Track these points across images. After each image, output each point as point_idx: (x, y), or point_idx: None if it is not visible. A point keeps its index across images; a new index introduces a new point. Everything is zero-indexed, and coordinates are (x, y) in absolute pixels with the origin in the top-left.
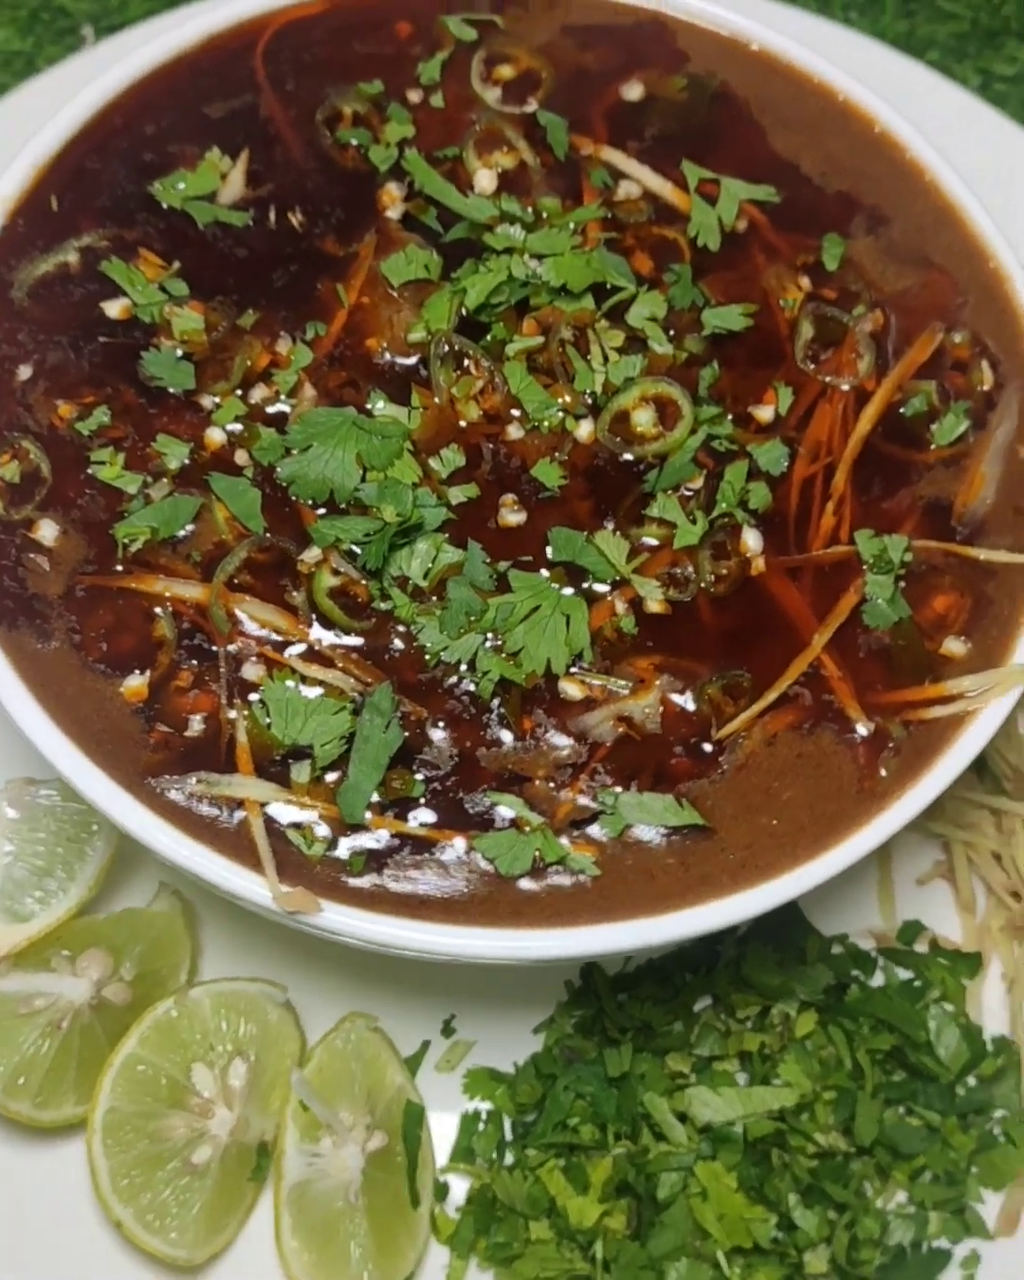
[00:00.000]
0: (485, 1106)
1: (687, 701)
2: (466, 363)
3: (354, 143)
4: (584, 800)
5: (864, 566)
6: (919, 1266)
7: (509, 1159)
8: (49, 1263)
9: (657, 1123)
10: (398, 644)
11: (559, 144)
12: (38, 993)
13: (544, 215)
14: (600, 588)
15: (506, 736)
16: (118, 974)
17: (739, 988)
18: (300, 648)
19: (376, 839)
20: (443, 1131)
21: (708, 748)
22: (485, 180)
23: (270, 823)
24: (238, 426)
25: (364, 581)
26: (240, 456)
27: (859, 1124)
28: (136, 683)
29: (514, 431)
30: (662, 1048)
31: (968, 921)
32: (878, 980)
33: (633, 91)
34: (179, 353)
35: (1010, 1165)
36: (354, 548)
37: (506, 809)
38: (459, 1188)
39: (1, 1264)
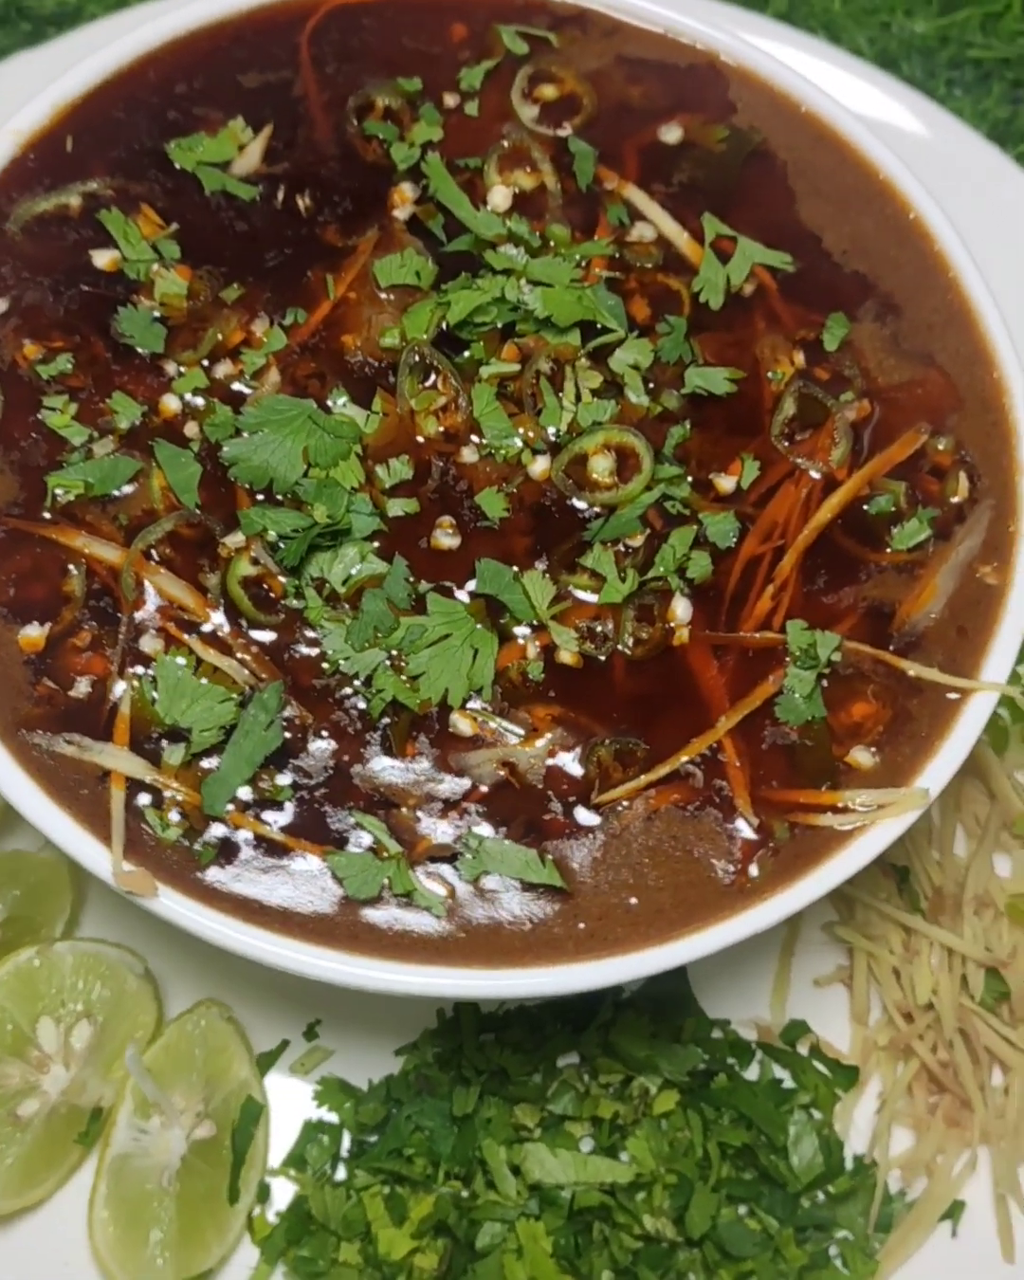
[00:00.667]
0: (331, 1117)
1: (575, 759)
2: (434, 377)
3: (379, 137)
4: (448, 838)
5: (789, 658)
6: None
7: (340, 1175)
8: None
9: (490, 1170)
10: (300, 646)
11: (584, 174)
12: None
13: (551, 243)
14: (518, 628)
15: (386, 759)
16: None
17: (607, 1052)
18: (203, 630)
19: (232, 835)
20: (285, 1134)
21: (585, 810)
22: (500, 197)
23: (131, 799)
24: (196, 398)
25: (281, 576)
26: (190, 428)
27: (693, 1215)
28: (35, 633)
29: (468, 454)
30: (514, 1096)
31: (857, 1033)
32: (753, 1073)
33: (671, 134)
34: (156, 314)
35: None
36: (279, 541)
37: (367, 832)
38: (285, 1192)
39: None
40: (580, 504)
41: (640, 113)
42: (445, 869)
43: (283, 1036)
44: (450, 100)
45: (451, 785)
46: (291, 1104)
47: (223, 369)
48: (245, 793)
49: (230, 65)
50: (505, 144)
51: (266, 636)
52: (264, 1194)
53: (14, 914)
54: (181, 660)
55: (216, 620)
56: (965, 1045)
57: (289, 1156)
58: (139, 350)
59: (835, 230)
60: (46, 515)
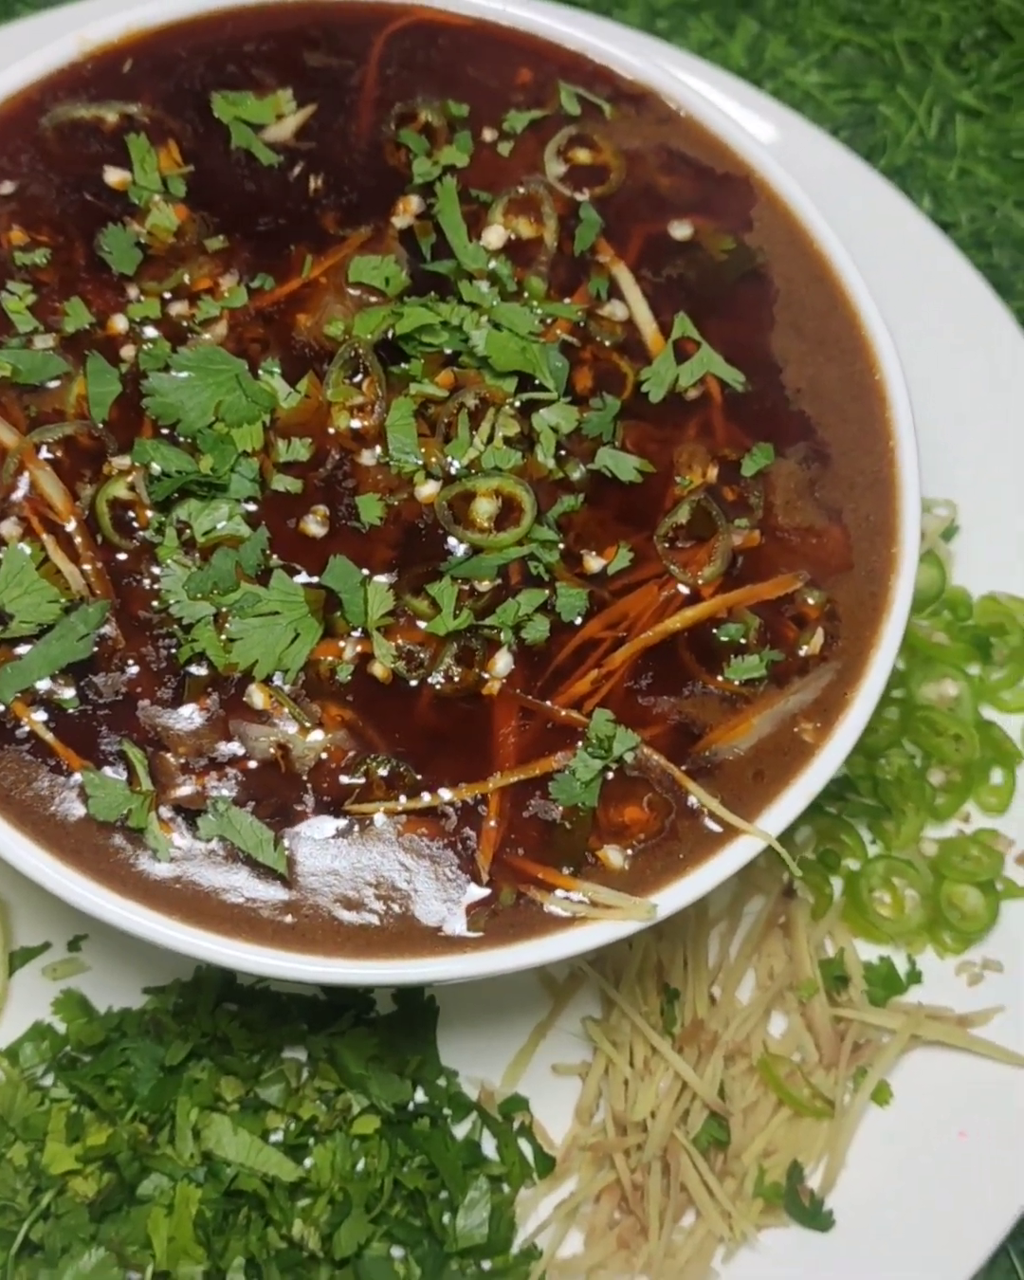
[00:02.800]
0: (59, 1024)
1: (347, 763)
2: (362, 377)
3: (409, 147)
4: (200, 793)
5: (584, 743)
6: None
7: (48, 1081)
8: None
9: (176, 1126)
10: (142, 577)
11: (584, 240)
12: None
13: (525, 292)
14: (348, 630)
15: (174, 705)
16: None
17: (330, 1059)
18: (61, 532)
19: (8, 725)
20: (16, 1026)
21: (334, 811)
22: (494, 236)
23: None
24: (145, 327)
25: (150, 510)
26: (127, 351)
27: (342, 1236)
28: None
29: (367, 458)
30: (228, 1068)
31: (574, 1128)
32: (463, 1129)
33: (681, 231)
34: (140, 240)
35: None
36: (160, 476)
37: (132, 760)
38: None
39: None
40: (452, 538)
41: (661, 201)
42: (187, 822)
43: (48, 938)
44: (488, 135)
45: (225, 749)
46: (31, 1002)
47: (179, 309)
48: (38, 689)
49: (303, 41)
50: (521, 190)
51: (115, 558)
52: None
53: None
54: (28, 550)
55: (75, 528)
56: (664, 1177)
57: (7, 1047)
58: (112, 268)
59: (799, 367)
60: None
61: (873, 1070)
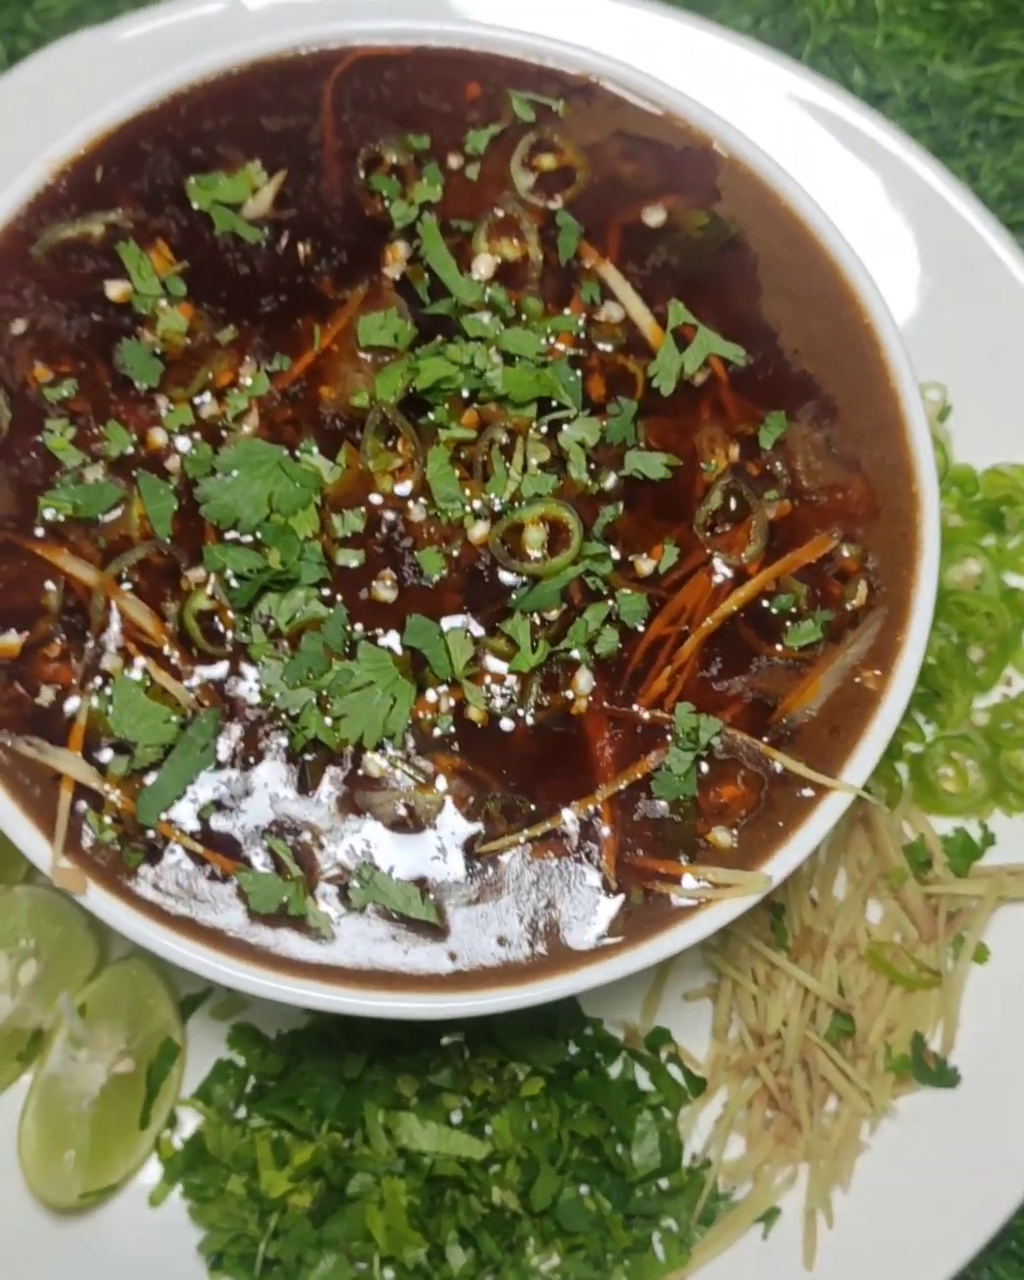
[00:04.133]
0: (239, 1061)
1: (468, 809)
2: (397, 441)
3: (383, 193)
4: (345, 867)
5: (673, 738)
6: None
7: (241, 1113)
8: None
9: (367, 1129)
10: (242, 678)
11: (566, 248)
12: None
13: (524, 316)
14: (436, 681)
15: (301, 790)
16: None
17: (487, 1039)
18: (159, 653)
19: (159, 844)
20: (200, 1067)
21: (468, 856)
22: (484, 266)
23: (75, 800)
24: (181, 436)
25: (233, 612)
26: (172, 462)
27: (537, 1190)
28: (12, 640)
29: (417, 513)
30: (401, 1067)
31: (714, 1047)
32: (616, 1069)
33: (654, 217)
34: (156, 349)
35: (653, 1272)
36: (235, 580)
37: (275, 854)
38: (192, 1121)
39: None
40: (511, 570)
41: (629, 189)
42: (339, 895)
43: (208, 984)
44: (454, 161)
45: (354, 820)
46: (208, 1043)
47: (208, 408)
48: (174, 808)
49: (256, 107)
50: (498, 214)
51: (213, 666)
52: (174, 1121)
53: None
54: (137, 676)
55: (171, 647)
56: (804, 1073)
57: (198, 1090)
58: (136, 383)
59: (792, 328)
60: (37, 532)
61: (969, 935)
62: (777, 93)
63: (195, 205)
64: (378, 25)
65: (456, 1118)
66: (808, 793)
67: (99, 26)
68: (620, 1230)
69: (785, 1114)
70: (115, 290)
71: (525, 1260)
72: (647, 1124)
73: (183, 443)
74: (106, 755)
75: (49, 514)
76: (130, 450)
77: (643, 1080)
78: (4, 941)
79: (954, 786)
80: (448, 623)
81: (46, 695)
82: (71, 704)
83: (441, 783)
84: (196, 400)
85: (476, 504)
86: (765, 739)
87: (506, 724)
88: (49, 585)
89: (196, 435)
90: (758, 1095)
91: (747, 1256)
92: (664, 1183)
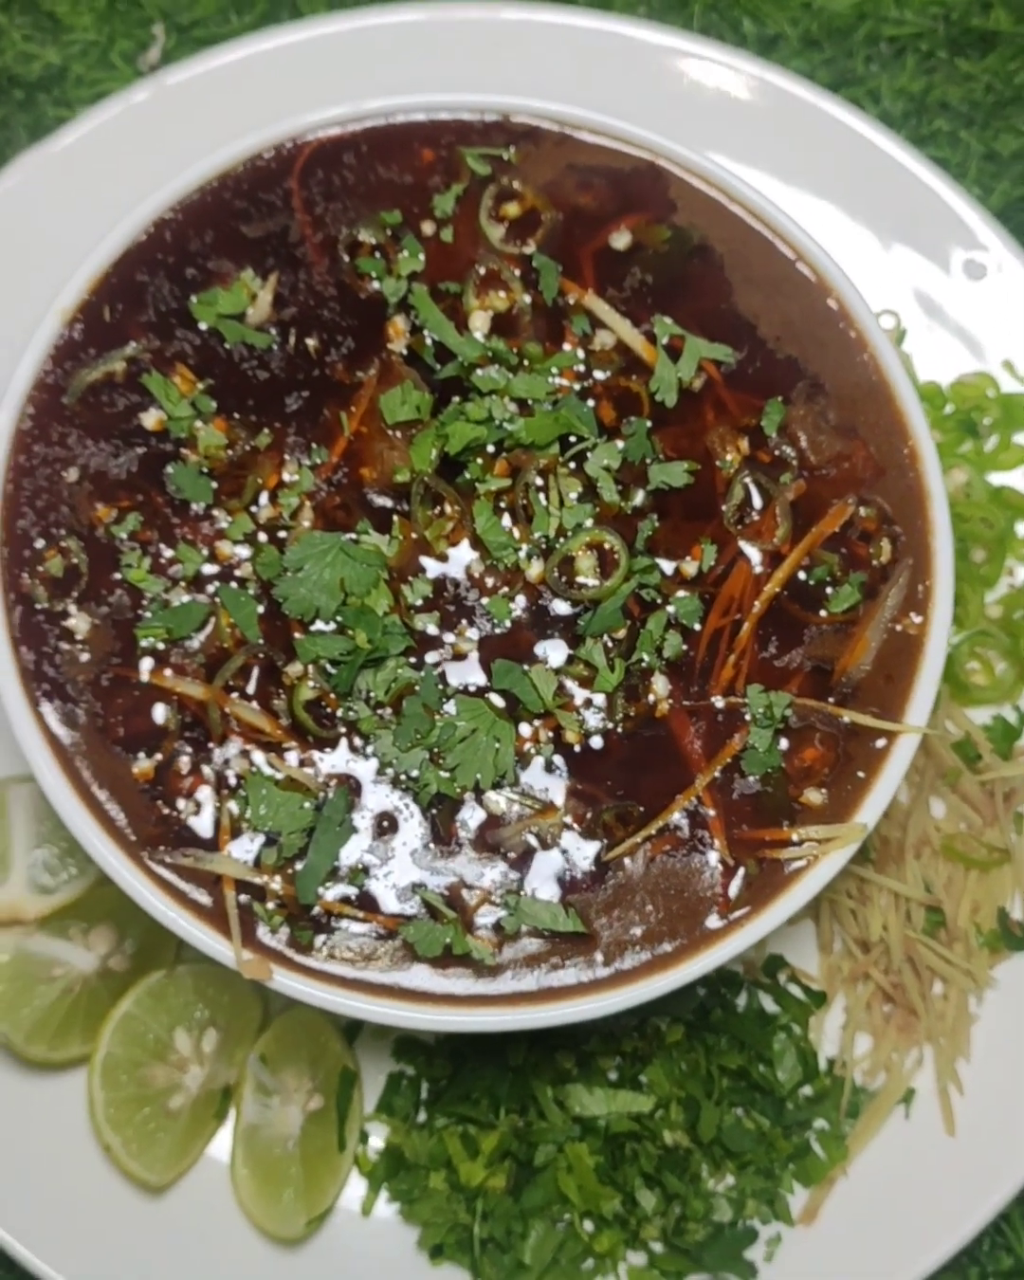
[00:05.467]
0: (409, 1071)
1: (586, 824)
2: (443, 505)
3: (371, 273)
4: (492, 900)
5: (750, 718)
6: (732, 1241)
7: (421, 1118)
8: (51, 1175)
9: (541, 1106)
10: (357, 751)
11: (549, 288)
12: (58, 961)
13: (527, 361)
14: (530, 715)
15: (435, 840)
16: (121, 948)
17: None
18: (279, 748)
19: (323, 918)
20: (373, 1085)
21: (596, 865)
22: (480, 321)
23: (239, 895)
24: (244, 546)
25: (335, 695)
26: (244, 570)
27: (702, 1125)
28: (146, 765)
29: (476, 566)
30: (553, 1044)
31: (824, 961)
32: (743, 1000)
33: (620, 240)
34: (202, 468)
35: (819, 1170)
36: (329, 665)
37: (429, 901)
38: (379, 1134)
39: (12, 1170)
40: (571, 599)
41: (592, 218)
42: (492, 926)
43: None
44: (427, 228)
45: (490, 857)
46: (375, 1061)
47: (265, 512)
48: (329, 882)
49: (232, 216)
50: (480, 270)
51: (331, 747)
52: (364, 1137)
53: (141, 947)
54: (265, 771)
55: (289, 739)
56: (910, 967)
57: (380, 1103)
58: (192, 504)
59: (769, 317)
60: (142, 662)
61: None
62: (681, 67)
63: (202, 324)
64: (323, 115)
65: (613, 1077)
66: (880, 742)
67: (35, 146)
68: (781, 1141)
69: (901, 1006)
70: (151, 420)
71: (704, 1186)
72: (782, 1043)
73: (247, 550)
74: (256, 849)
75: (146, 642)
76: (204, 567)
77: (769, 1006)
78: (182, 1019)
79: (983, 679)
80: (527, 660)
81: (187, 808)
82: (211, 811)
83: (559, 805)
84: (252, 508)
85: (526, 546)
86: (831, 700)
87: (599, 740)
88: (164, 706)
89: (261, 538)
90: (873, 995)
91: (894, 1137)
92: (809, 1090)
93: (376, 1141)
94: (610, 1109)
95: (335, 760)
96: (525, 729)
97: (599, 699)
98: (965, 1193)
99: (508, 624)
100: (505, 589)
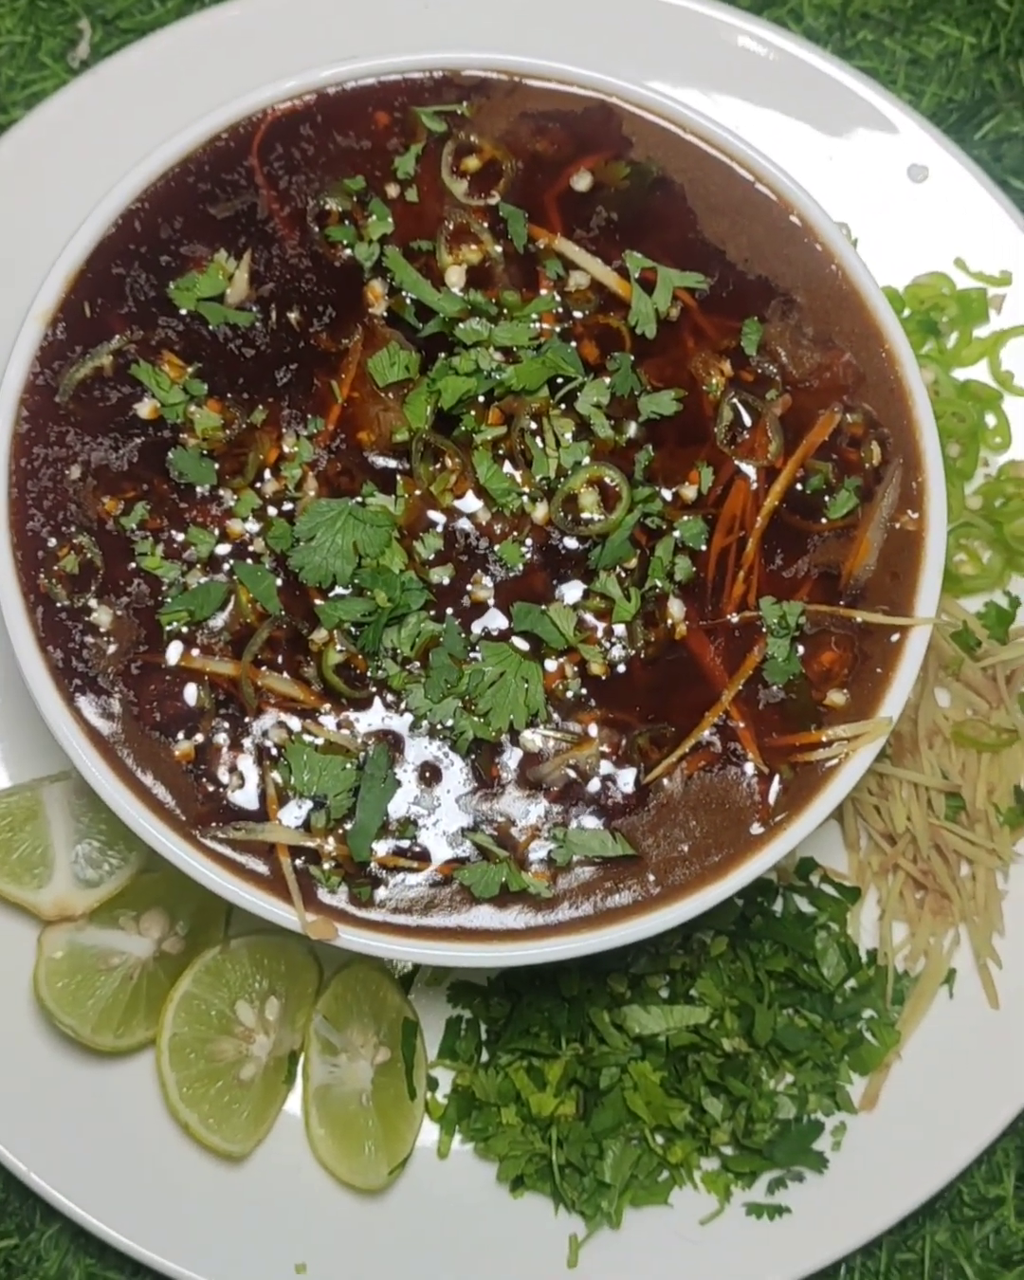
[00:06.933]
0: (466, 1014)
1: (622, 751)
2: (443, 459)
3: (342, 241)
4: (541, 834)
5: (766, 630)
6: (800, 1136)
7: (484, 1057)
8: (134, 1158)
9: (600, 1031)
10: (391, 708)
11: (518, 236)
12: (114, 950)
13: (506, 310)
14: (554, 652)
15: (478, 784)
16: (174, 931)
17: None
18: (314, 714)
19: (379, 872)
20: (433, 1032)
21: (637, 788)
22: (455, 276)
23: (296, 862)
24: (253, 522)
25: (362, 656)
26: (257, 545)
27: (757, 1029)
28: (186, 745)
29: (482, 515)
30: (604, 969)
31: (852, 858)
32: (779, 906)
33: (582, 182)
34: (202, 451)
35: (873, 1057)
36: (352, 628)
37: (480, 843)
38: (445, 1078)
39: (96, 1157)
40: (579, 536)
41: (551, 163)
42: (545, 859)
43: None
44: (392, 190)
45: (534, 793)
46: (431, 1009)
47: (269, 486)
48: (379, 836)
49: (198, 199)
50: (449, 226)
51: (366, 707)
52: (433, 1084)
53: (194, 925)
54: (306, 737)
55: (323, 703)
56: (937, 853)
57: (442, 1049)
58: (196, 487)
59: (736, 241)
60: (170, 645)
61: None
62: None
63: (183, 309)
64: (274, 90)
65: (665, 994)
66: (894, 637)
67: None
68: (835, 1034)
69: (932, 891)
70: (145, 409)
71: (766, 1087)
72: (824, 941)
73: (257, 525)
74: (305, 815)
75: (171, 627)
76: (218, 548)
77: (805, 907)
78: (242, 992)
79: (972, 569)
80: (545, 601)
81: (231, 782)
82: (256, 782)
83: (593, 735)
84: (256, 484)
85: (529, 490)
86: (841, 603)
87: (623, 669)
88: (195, 688)
89: (270, 513)
90: (904, 884)
91: (942, 1017)
92: (854, 983)
93: (445, 1087)
94: (668, 1024)
95: (371, 719)
96: (551, 666)
97: (619, 629)
98: (1016, 1062)
99: (521, 568)
100: (514, 534)
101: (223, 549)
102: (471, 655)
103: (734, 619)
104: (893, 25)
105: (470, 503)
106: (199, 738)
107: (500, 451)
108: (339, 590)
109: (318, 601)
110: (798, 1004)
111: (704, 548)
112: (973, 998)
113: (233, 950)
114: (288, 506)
